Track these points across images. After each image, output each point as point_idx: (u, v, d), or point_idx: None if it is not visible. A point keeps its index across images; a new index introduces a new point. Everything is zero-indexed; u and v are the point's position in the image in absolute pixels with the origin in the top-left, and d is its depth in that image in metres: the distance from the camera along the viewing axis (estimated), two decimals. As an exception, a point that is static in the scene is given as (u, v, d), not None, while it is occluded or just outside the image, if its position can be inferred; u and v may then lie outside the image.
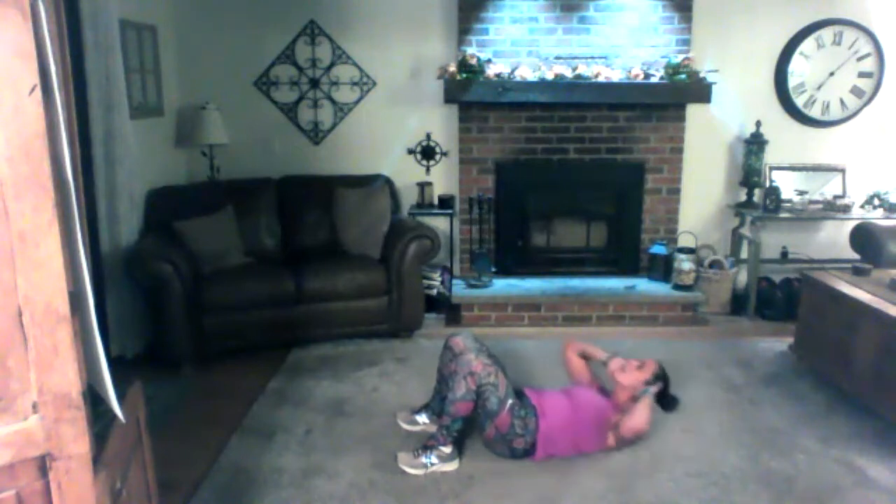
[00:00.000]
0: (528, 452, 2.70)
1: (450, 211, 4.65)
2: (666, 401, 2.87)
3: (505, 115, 4.55)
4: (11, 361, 1.11)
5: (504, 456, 2.73)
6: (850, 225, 4.47)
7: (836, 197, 4.59)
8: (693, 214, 4.82)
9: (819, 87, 4.64)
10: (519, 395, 2.78)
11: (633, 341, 3.99)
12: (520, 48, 4.47)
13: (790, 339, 3.91)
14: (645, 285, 4.53)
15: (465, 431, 2.77)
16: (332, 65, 4.65)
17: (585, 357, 3.03)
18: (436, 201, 4.70)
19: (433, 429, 2.81)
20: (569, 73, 4.31)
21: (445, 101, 4.41)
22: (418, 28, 4.56)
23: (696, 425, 3.02)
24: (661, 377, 2.83)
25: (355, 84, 4.68)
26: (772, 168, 4.69)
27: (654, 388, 2.77)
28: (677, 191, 4.71)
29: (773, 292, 4.58)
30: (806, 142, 4.74)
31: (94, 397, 1.26)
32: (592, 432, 2.75)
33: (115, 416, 1.34)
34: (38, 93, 1.06)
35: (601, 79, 4.30)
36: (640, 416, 2.70)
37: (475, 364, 2.64)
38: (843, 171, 4.73)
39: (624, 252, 4.77)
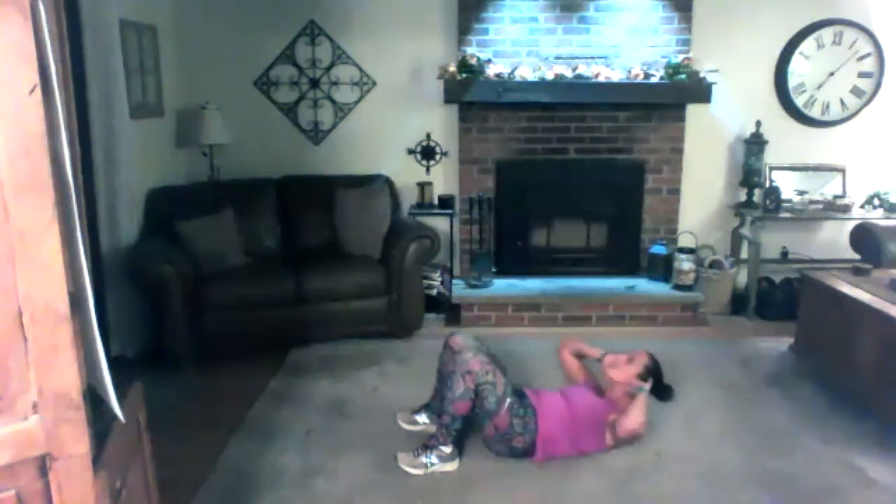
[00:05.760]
0: (528, 452, 2.70)
1: (450, 211, 4.65)
2: (661, 392, 2.87)
3: (505, 115, 4.54)
4: (11, 361, 1.11)
5: (503, 455, 2.73)
6: (850, 225, 4.47)
7: (836, 197, 4.59)
8: (693, 214, 4.82)
9: (819, 87, 4.64)
10: (519, 394, 2.77)
11: (633, 341, 3.98)
12: (520, 48, 4.47)
13: (790, 339, 3.91)
14: (645, 285, 4.53)
15: (464, 431, 2.77)
16: (332, 65, 4.65)
17: (580, 356, 3.04)
18: (436, 201, 4.70)
19: (433, 429, 2.81)
20: (569, 73, 4.31)
21: (445, 101, 4.41)
22: (418, 28, 4.56)
23: (696, 425, 3.02)
24: (653, 370, 2.83)
25: (355, 84, 4.68)
26: (772, 168, 4.68)
27: (647, 385, 2.77)
28: (677, 191, 4.70)
29: (773, 292, 4.58)
30: (806, 142, 4.74)
31: (94, 397, 1.26)
32: (590, 432, 2.75)
33: (115, 416, 1.34)
34: (38, 93, 1.06)
35: (601, 79, 4.29)
36: (636, 416, 2.69)
37: (473, 363, 2.64)
38: (843, 171, 4.73)
39: (624, 252, 4.77)
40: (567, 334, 3.91)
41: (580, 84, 4.29)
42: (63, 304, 1.12)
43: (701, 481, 2.61)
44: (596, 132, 4.61)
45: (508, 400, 2.66)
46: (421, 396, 3.12)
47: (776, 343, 4.00)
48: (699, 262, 4.58)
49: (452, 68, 4.25)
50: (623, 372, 2.81)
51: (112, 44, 3.51)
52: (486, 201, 4.62)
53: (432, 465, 2.65)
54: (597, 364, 2.97)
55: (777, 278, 4.69)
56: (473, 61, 4.24)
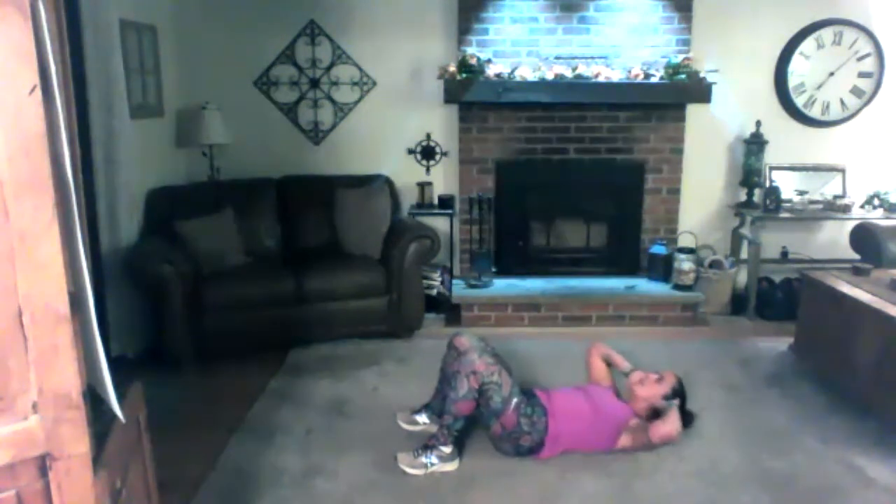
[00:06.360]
0: (534, 450, 2.71)
1: (450, 211, 4.65)
2: (684, 417, 2.87)
3: (505, 115, 4.54)
4: (11, 361, 1.11)
5: (508, 454, 2.73)
6: (850, 225, 4.47)
7: (836, 197, 4.59)
8: (693, 214, 4.82)
9: (819, 87, 4.64)
10: (528, 394, 2.78)
11: (634, 341, 3.98)
12: (520, 48, 4.47)
13: (790, 339, 3.91)
14: (645, 285, 4.53)
15: (465, 431, 2.77)
16: (332, 65, 4.65)
17: (609, 363, 3.05)
18: (436, 201, 4.70)
19: (433, 429, 2.81)
20: (569, 73, 4.31)
21: (445, 101, 4.41)
22: (418, 28, 4.56)
23: (696, 425, 3.01)
24: (679, 392, 2.84)
25: (355, 84, 4.68)
26: (772, 168, 4.68)
27: (676, 402, 2.79)
28: (677, 191, 4.70)
29: (773, 292, 4.58)
30: (806, 142, 4.74)
31: (94, 397, 1.26)
32: (607, 432, 2.76)
33: (115, 416, 1.34)
34: (38, 93, 1.06)
35: (601, 79, 4.29)
36: (673, 423, 2.71)
37: (478, 363, 2.64)
38: (843, 171, 4.73)
39: (624, 252, 4.77)
40: (568, 335, 3.93)
41: (580, 84, 4.29)
42: (63, 304, 1.12)
43: (701, 481, 2.61)
44: (596, 132, 4.61)
45: (515, 400, 2.66)
46: (421, 396, 3.12)
47: (776, 343, 4.00)
48: (699, 262, 4.57)
49: (452, 68, 4.25)
50: (650, 390, 2.81)
51: (112, 44, 3.51)
52: (486, 201, 4.62)
53: (432, 465, 2.65)
54: (622, 376, 2.98)
55: (777, 278, 4.69)
56: (473, 61, 4.24)
